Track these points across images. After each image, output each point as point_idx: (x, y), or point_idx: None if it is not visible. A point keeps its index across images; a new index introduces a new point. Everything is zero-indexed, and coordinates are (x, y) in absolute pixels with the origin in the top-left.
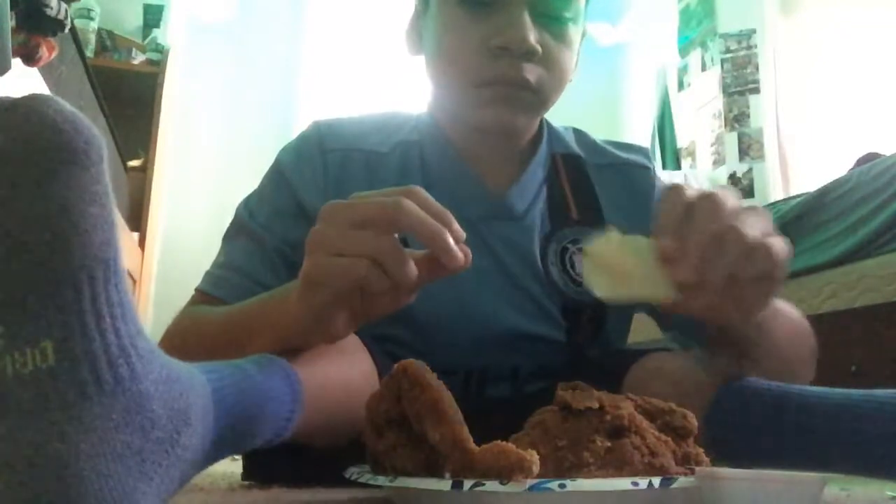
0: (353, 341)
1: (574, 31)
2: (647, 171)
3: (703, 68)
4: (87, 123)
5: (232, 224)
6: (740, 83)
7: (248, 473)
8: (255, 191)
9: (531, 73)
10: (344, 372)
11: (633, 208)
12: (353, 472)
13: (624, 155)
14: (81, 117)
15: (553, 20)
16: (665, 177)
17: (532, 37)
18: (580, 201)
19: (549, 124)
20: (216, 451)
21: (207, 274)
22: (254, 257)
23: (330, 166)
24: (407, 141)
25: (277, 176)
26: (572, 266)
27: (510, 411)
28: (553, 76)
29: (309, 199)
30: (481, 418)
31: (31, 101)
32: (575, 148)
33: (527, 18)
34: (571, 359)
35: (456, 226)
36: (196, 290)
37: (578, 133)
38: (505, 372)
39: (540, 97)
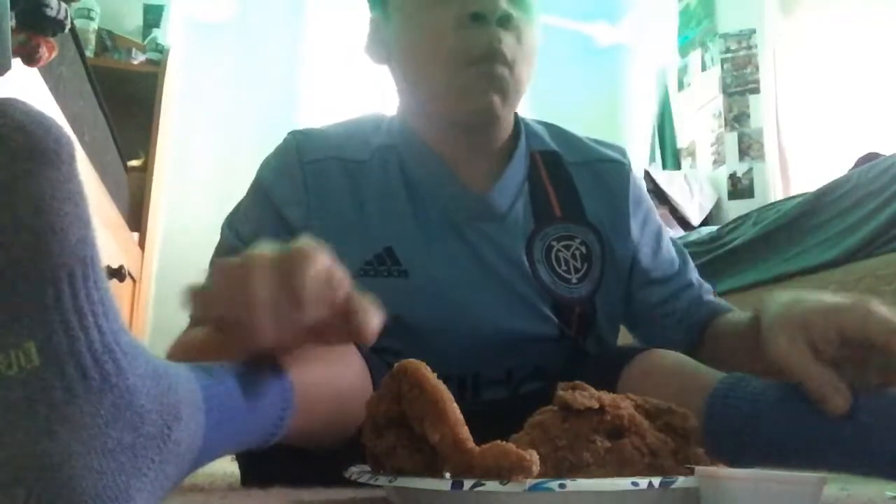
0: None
1: (536, 9)
2: (622, 167)
3: (703, 68)
4: (56, 123)
5: (218, 245)
6: (740, 83)
7: (246, 476)
8: (238, 207)
9: (507, 45)
10: (336, 372)
11: (610, 204)
12: (353, 472)
13: (600, 150)
14: (49, 118)
15: None
16: (665, 177)
17: (504, 2)
18: (562, 198)
19: (524, 122)
20: (209, 448)
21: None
22: None
23: (309, 177)
24: (384, 146)
25: (259, 192)
26: (558, 263)
27: (507, 413)
28: (523, 50)
29: (291, 213)
30: (479, 420)
31: None
32: (552, 144)
33: None
34: (566, 356)
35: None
36: (190, 315)
37: (551, 128)
38: (499, 375)
39: (514, 74)
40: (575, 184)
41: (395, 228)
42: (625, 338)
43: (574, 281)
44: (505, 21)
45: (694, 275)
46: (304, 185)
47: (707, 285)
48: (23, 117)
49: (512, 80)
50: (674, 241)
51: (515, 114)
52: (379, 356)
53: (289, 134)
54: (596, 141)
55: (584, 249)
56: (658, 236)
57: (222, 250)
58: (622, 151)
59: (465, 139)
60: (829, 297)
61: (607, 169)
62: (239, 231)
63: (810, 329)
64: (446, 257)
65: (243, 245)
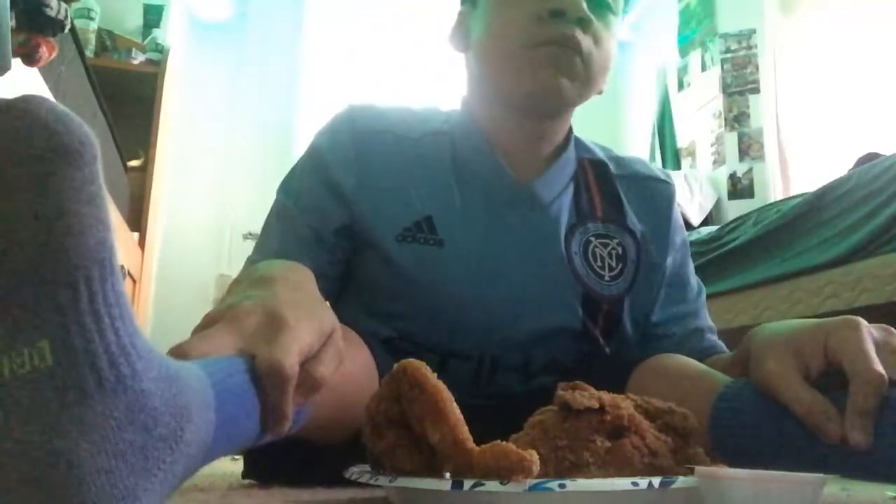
0: (352, 337)
1: (615, 24)
2: (668, 187)
3: (703, 68)
4: (81, 123)
5: (272, 208)
6: (740, 83)
7: (248, 472)
8: (293, 171)
9: (582, 40)
10: (343, 367)
11: (652, 217)
12: (353, 472)
13: (647, 169)
14: (74, 117)
15: (600, 4)
16: None
17: (585, 5)
18: (605, 202)
19: (576, 137)
20: (217, 446)
21: (247, 260)
22: (287, 238)
23: (360, 145)
24: (438, 130)
25: (314, 155)
26: (594, 258)
27: (519, 405)
28: (600, 54)
29: (341, 177)
30: (489, 411)
31: (24, 102)
32: (601, 156)
33: None
34: (585, 354)
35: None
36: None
37: (603, 147)
38: (516, 362)
39: (587, 70)
40: (619, 192)
41: (437, 201)
42: None
43: (607, 278)
44: (584, 23)
45: (704, 309)
46: (356, 152)
47: (712, 325)
48: (48, 115)
49: (584, 71)
50: (694, 273)
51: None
52: (399, 325)
53: (347, 105)
54: (643, 163)
55: (620, 251)
56: (684, 258)
57: (273, 212)
58: (668, 175)
59: (522, 128)
60: (816, 320)
61: (653, 186)
62: (289, 192)
63: (799, 351)
64: (483, 235)
65: (292, 205)
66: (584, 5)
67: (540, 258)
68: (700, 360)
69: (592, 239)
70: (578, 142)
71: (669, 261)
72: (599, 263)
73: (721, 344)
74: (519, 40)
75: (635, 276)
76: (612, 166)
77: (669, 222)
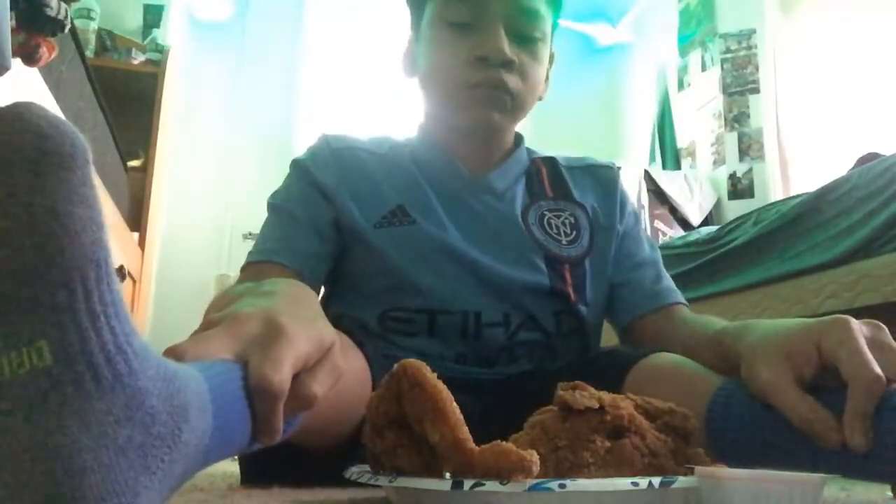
0: (345, 341)
1: (543, 50)
2: (611, 169)
3: (703, 68)
4: (72, 128)
5: (267, 215)
6: (740, 83)
7: (246, 476)
8: (279, 187)
9: (509, 80)
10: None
11: (601, 192)
12: (353, 473)
13: (591, 161)
14: (65, 122)
15: (525, 39)
16: (665, 177)
17: (507, 49)
18: (554, 185)
19: (528, 147)
20: (215, 448)
21: (249, 253)
22: (285, 225)
23: (337, 158)
24: (400, 144)
25: (296, 168)
26: (550, 227)
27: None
28: (527, 86)
29: (322, 178)
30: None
31: (16, 108)
32: (551, 155)
33: (503, 34)
34: (560, 310)
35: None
36: (241, 270)
37: (560, 155)
38: (497, 317)
39: (516, 102)
40: (566, 178)
41: (408, 193)
42: (610, 339)
43: (565, 242)
44: (508, 65)
45: (660, 264)
46: (333, 161)
47: (668, 276)
48: (40, 121)
49: (512, 104)
50: (650, 240)
51: (517, 133)
52: (389, 293)
53: (321, 135)
54: (591, 158)
55: (573, 220)
56: (635, 224)
57: (268, 215)
58: (612, 163)
59: (469, 143)
60: (806, 320)
61: (599, 170)
62: (281, 197)
63: (791, 355)
64: (450, 214)
65: (285, 203)
66: (506, 49)
67: (502, 231)
68: (661, 304)
69: (546, 212)
70: (529, 149)
71: (620, 225)
72: (555, 231)
73: (678, 292)
74: (455, 81)
75: (592, 240)
76: (561, 162)
77: (615, 194)
